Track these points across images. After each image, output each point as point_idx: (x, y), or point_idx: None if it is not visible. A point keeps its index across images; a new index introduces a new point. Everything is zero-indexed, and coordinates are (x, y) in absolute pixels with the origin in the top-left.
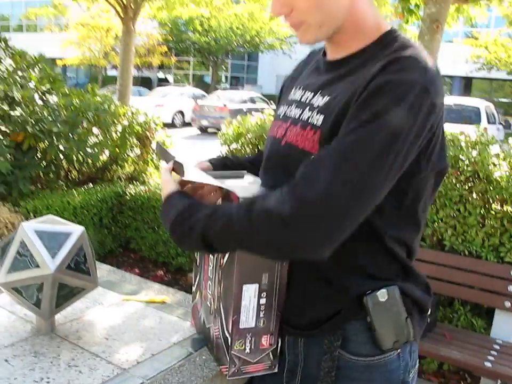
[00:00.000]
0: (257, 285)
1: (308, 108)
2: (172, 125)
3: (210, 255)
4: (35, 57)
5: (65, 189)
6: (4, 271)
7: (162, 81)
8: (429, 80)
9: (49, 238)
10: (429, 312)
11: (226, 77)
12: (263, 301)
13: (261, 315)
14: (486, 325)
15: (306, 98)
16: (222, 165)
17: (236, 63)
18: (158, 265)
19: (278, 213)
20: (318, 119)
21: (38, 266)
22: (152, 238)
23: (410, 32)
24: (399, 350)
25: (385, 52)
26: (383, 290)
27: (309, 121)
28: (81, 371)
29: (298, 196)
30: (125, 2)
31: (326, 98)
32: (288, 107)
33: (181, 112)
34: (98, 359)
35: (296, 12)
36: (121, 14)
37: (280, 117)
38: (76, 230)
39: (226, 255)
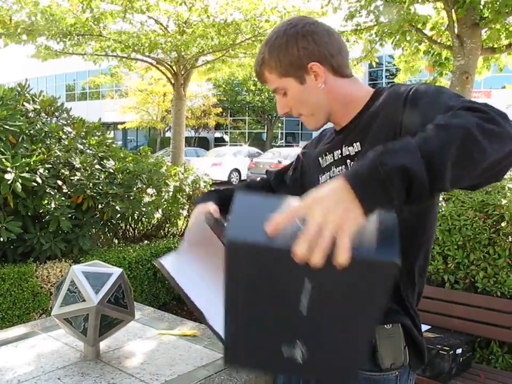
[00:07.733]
0: None
1: (347, 159)
2: (228, 183)
3: None
4: (92, 124)
5: (122, 245)
6: (57, 305)
7: (219, 141)
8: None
9: (93, 278)
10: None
11: (282, 134)
12: None
13: None
14: None
15: (339, 154)
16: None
17: (290, 119)
18: None
19: None
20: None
21: (84, 300)
22: None
23: (444, 84)
24: (397, 373)
25: (382, 97)
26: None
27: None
28: None
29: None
30: (175, 69)
31: (358, 142)
32: (328, 172)
33: (237, 170)
34: (133, 378)
35: (293, 108)
36: (172, 81)
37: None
38: (116, 271)
39: None
